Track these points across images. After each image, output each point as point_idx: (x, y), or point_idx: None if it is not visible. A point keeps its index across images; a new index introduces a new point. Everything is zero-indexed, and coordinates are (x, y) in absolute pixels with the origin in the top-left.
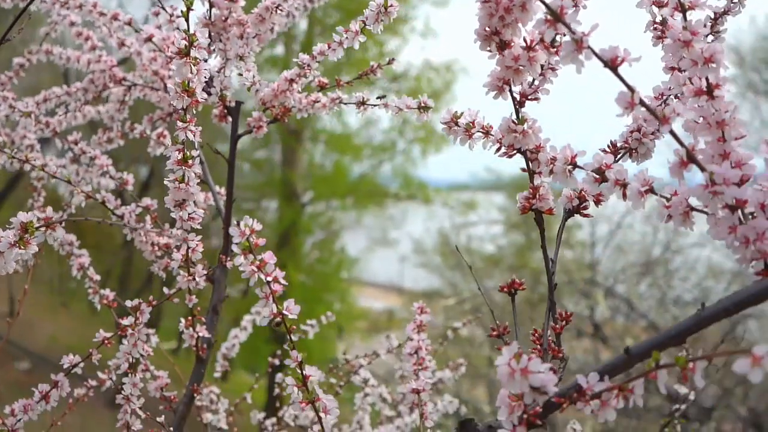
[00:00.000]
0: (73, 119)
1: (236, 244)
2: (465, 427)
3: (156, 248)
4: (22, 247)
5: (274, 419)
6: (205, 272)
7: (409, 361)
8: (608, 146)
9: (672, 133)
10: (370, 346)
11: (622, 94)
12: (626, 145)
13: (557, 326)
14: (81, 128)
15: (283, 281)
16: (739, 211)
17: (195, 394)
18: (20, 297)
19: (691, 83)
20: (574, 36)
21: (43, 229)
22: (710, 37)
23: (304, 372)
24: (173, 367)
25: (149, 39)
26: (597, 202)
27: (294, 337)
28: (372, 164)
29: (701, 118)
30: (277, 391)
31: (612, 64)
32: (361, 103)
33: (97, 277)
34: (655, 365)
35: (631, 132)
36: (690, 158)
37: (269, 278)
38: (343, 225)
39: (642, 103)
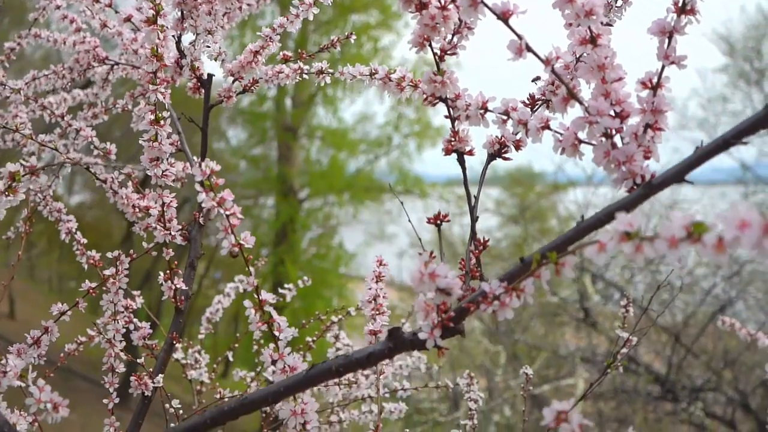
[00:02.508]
0: (64, 101)
1: (198, 182)
2: (392, 334)
3: (137, 210)
4: (10, 194)
5: (253, 374)
6: (180, 227)
7: (367, 308)
8: (527, 98)
9: (554, 72)
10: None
11: (512, 41)
12: (543, 97)
13: (476, 251)
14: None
15: (240, 215)
16: (619, 140)
17: (174, 342)
18: (13, 264)
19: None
20: None
21: (28, 176)
22: (619, 2)
23: (260, 296)
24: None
25: (128, 19)
26: (517, 148)
27: (251, 267)
28: (368, 159)
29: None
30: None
31: (504, 16)
32: (320, 72)
33: (84, 241)
34: (537, 265)
35: (548, 85)
36: (571, 95)
37: (228, 212)
38: (340, 220)
39: (528, 48)
